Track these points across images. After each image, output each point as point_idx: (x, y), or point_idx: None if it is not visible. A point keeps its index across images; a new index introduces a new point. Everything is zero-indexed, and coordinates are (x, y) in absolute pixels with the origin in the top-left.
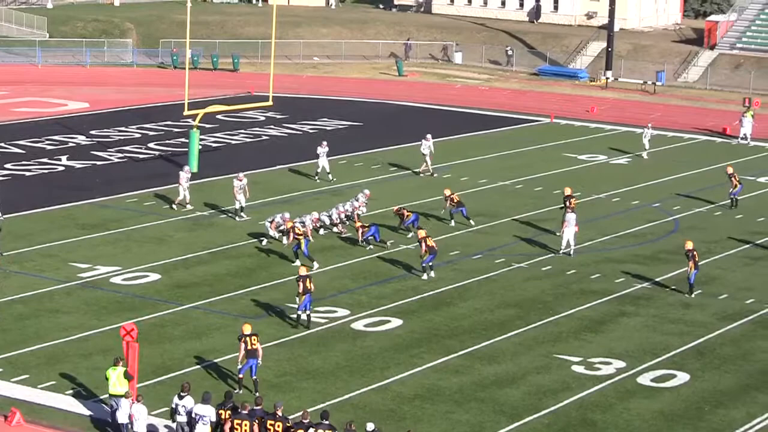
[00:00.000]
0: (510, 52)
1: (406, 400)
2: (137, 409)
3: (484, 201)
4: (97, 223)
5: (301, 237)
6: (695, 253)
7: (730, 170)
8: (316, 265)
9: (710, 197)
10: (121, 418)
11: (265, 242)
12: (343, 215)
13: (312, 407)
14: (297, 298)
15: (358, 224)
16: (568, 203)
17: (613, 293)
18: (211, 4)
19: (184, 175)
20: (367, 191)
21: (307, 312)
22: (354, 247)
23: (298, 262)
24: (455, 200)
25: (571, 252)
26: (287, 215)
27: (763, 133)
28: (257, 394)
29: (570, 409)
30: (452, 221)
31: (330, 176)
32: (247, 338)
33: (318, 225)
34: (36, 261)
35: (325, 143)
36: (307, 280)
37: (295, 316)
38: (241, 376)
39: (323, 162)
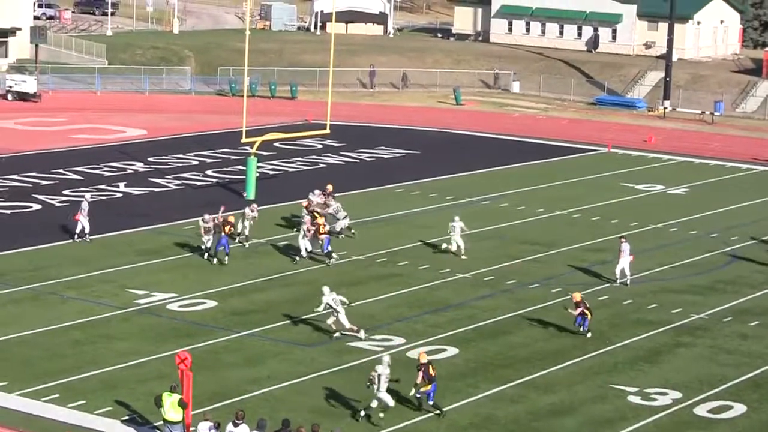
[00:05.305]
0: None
1: (461, 429)
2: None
3: (541, 230)
4: (154, 250)
5: (230, 234)
6: None
7: None
8: (226, 262)
9: None
10: None
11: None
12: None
13: None
14: (418, 385)
15: (322, 224)
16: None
17: (670, 323)
18: (270, 32)
19: (249, 213)
20: (329, 186)
21: (430, 402)
22: (410, 275)
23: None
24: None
25: (628, 282)
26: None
27: None
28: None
29: None
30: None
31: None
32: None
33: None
34: (94, 287)
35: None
36: (429, 367)
37: (417, 400)
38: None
39: None
